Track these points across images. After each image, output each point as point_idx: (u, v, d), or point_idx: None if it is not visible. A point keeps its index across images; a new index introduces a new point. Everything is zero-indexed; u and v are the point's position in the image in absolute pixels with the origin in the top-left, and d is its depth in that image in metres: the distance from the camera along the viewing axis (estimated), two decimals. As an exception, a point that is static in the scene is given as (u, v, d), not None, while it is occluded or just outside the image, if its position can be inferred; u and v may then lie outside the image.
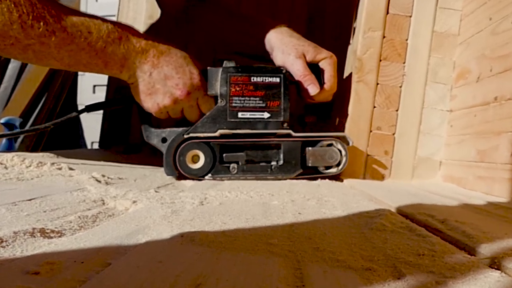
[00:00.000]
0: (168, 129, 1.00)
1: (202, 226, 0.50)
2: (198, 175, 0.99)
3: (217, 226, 0.51)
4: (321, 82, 1.04)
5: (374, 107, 1.07)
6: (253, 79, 0.99)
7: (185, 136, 0.99)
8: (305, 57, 1.05)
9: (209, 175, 0.99)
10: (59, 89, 3.09)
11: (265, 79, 1.00)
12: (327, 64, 1.06)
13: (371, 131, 1.08)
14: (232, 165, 1.00)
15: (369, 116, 1.07)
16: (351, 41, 1.22)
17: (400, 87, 1.08)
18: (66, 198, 0.65)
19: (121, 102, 1.14)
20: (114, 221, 0.52)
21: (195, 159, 1.00)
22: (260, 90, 0.99)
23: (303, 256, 0.41)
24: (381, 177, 1.07)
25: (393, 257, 0.42)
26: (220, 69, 0.99)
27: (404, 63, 1.08)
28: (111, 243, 0.42)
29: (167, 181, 0.95)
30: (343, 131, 1.08)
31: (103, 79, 2.34)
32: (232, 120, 0.99)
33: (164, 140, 0.99)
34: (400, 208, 0.67)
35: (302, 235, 0.49)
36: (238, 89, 0.99)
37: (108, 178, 0.89)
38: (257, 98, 0.99)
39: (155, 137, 1.00)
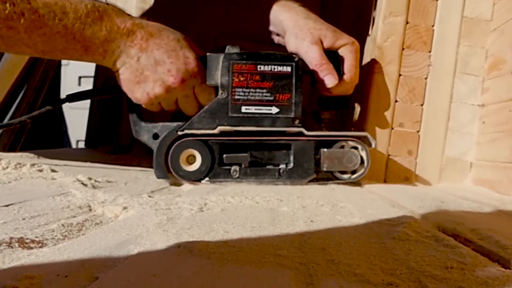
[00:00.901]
0: (161, 123, 0.98)
1: (201, 235, 0.50)
2: (194, 179, 0.97)
3: (218, 235, 0.51)
4: (340, 72, 1.01)
5: (396, 101, 1.07)
6: (260, 67, 0.97)
7: (179, 133, 0.96)
8: (322, 43, 1.02)
9: (206, 178, 0.97)
10: (40, 80, 3.10)
11: (274, 68, 0.97)
12: (348, 51, 1.02)
13: (392, 129, 1.07)
14: (233, 167, 0.98)
15: (391, 112, 1.07)
16: (370, 31, 1.21)
17: (426, 78, 1.07)
18: (48, 203, 0.65)
19: (109, 91, 1.10)
20: (102, 230, 0.52)
21: (191, 159, 0.98)
22: (268, 81, 0.97)
23: (316, 269, 0.41)
24: (404, 180, 1.07)
25: (417, 270, 0.42)
26: (222, 56, 0.97)
27: (430, 52, 1.08)
28: (99, 255, 0.42)
29: (161, 184, 0.95)
30: (362, 129, 1.08)
31: (90, 69, 2.35)
32: (234, 115, 0.97)
33: (155, 136, 0.97)
34: (425, 215, 0.67)
35: (315, 246, 0.48)
36: (242, 79, 0.96)
37: (95, 181, 0.90)
38: (264, 90, 0.97)
39: (145, 132, 0.98)
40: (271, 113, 0.98)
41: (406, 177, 1.07)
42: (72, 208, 0.63)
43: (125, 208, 0.64)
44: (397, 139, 1.07)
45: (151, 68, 0.91)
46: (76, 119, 3.08)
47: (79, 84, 3.26)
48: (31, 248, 0.44)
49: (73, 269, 0.38)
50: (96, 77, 1.74)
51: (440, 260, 0.45)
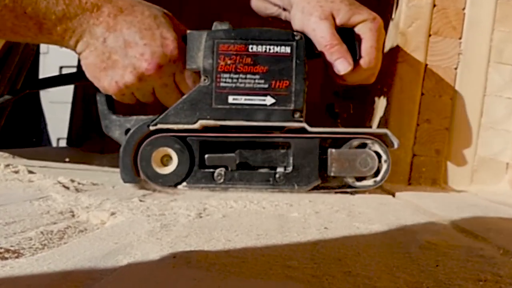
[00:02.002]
0: (135, 117, 0.93)
1: (200, 244, 0.50)
2: (168, 184, 0.92)
3: (219, 244, 0.51)
4: (356, 55, 0.96)
5: (422, 94, 1.07)
6: (252, 48, 0.90)
7: (151, 128, 0.91)
8: (334, 19, 0.95)
9: (184, 184, 0.92)
10: (15, 72, 3.10)
11: (270, 49, 0.90)
12: (367, 29, 0.96)
13: (418, 125, 1.07)
14: (217, 170, 0.92)
15: (416, 106, 1.07)
16: (392, 15, 1.21)
17: (455, 69, 1.07)
18: (24, 209, 0.65)
19: (76, 78, 1.07)
20: (86, 238, 0.52)
21: (165, 160, 0.93)
22: (261, 64, 0.90)
23: (331, 282, 0.41)
24: (431, 184, 1.07)
25: (446, 283, 0.42)
26: (205, 34, 0.91)
27: (460, 38, 1.07)
28: (83, 266, 0.42)
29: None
30: (384, 126, 1.07)
31: (73, 58, 2.35)
32: (220, 106, 0.90)
33: (128, 132, 0.93)
34: (455, 222, 0.67)
35: (330, 256, 0.48)
36: (229, 62, 0.90)
37: (79, 183, 0.90)
38: (257, 76, 0.90)
39: (116, 127, 0.94)
40: (265, 105, 0.91)
41: (434, 179, 1.07)
42: (52, 213, 0.63)
43: (112, 213, 0.64)
44: (423, 137, 1.07)
45: (120, 51, 0.87)
46: (57, 114, 3.07)
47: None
48: (6, 258, 0.44)
49: (54, 282, 0.38)
50: (80, 67, 1.74)
51: (472, 272, 0.45)
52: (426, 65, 1.07)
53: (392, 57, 1.09)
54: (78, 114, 1.79)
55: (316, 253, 0.49)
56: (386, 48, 1.17)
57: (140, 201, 0.75)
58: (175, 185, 0.92)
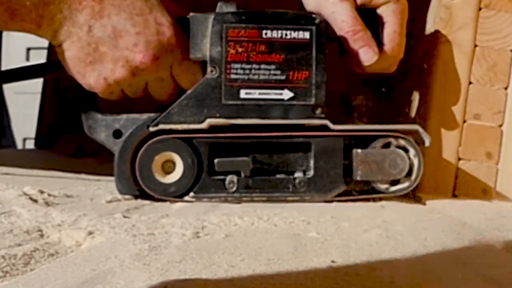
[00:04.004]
0: (125, 115, 0.94)
1: (197, 271, 0.51)
2: (173, 194, 0.94)
3: (221, 270, 0.51)
4: (379, 40, 0.96)
5: (470, 83, 1.07)
6: (266, 33, 0.92)
7: (151, 129, 0.92)
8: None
9: (191, 194, 0.94)
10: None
11: (287, 34, 0.92)
12: (390, 11, 0.97)
13: (464, 122, 1.07)
14: (229, 177, 0.94)
15: (462, 98, 1.06)
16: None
17: (512, 51, 1.07)
18: (-18, 227, 0.65)
19: (49, 70, 1.08)
20: (58, 264, 0.52)
21: (168, 167, 0.94)
22: (277, 53, 0.92)
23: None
24: (481, 194, 1.07)
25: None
26: (211, 17, 0.92)
27: (518, 12, 1.07)
28: (54, 298, 0.42)
29: (141, 200, 0.95)
30: (422, 122, 1.07)
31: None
32: (230, 102, 0.92)
33: (117, 134, 0.93)
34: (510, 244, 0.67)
35: (355, 287, 0.48)
36: (240, 50, 0.92)
37: (49, 195, 0.90)
38: (273, 66, 0.92)
39: (103, 128, 0.94)
40: (282, 99, 0.93)
41: (484, 189, 1.07)
42: (16, 233, 0.63)
43: (90, 233, 0.64)
44: (471, 136, 1.07)
45: (109, 42, 0.88)
46: (23, 109, 3.09)
47: (27, 58, 3.27)
48: (-41, 289, 0.44)
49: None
50: (50, 49, 1.74)
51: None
52: (476, 46, 1.07)
53: (434, 36, 1.09)
54: (49, 109, 1.79)
55: (339, 281, 0.49)
56: (428, 26, 1.17)
57: (124, 217, 0.75)
58: (180, 196, 0.93)
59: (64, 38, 0.88)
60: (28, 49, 3.29)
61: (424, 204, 1.01)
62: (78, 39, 0.87)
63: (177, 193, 0.93)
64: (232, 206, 0.91)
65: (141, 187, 0.93)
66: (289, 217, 0.80)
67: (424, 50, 1.12)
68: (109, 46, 0.88)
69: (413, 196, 1.04)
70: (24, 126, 3.13)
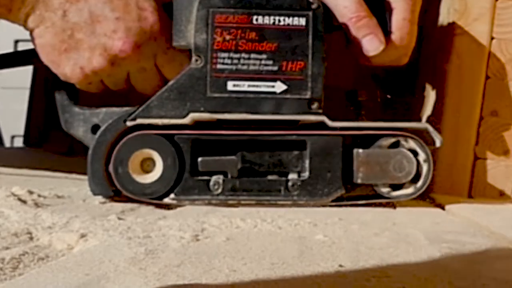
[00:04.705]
0: (105, 109, 0.92)
1: (196, 276, 0.50)
2: (152, 196, 0.91)
3: (222, 275, 0.51)
4: (386, 29, 0.93)
5: (488, 77, 1.07)
6: (257, 19, 0.89)
7: (128, 124, 0.90)
8: None
9: (171, 195, 0.91)
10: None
11: (280, 20, 0.89)
12: None
13: (481, 118, 1.07)
14: (214, 178, 0.91)
15: (479, 93, 1.06)
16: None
17: (532, 43, 1.07)
18: (-32, 229, 0.65)
19: (23, 59, 1.07)
20: (48, 268, 0.52)
21: (147, 165, 0.92)
22: (269, 41, 0.89)
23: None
24: (499, 196, 1.06)
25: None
26: (196, 1, 0.89)
27: (538, 2, 1.07)
28: (44, 305, 0.42)
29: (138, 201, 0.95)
30: (436, 119, 1.07)
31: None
32: (216, 95, 0.89)
33: (96, 129, 0.91)
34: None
35: (366, 292, 0.48)
36: (228, 37, 0.89)
37: (39, 196, 0.90)
38: (264, 56, 0.89)
39: (80, 123, 0.92)
40: (274, 92, 0.90)
41: (502, 190, 1.07)
42: (4, 236, 0.63)
43: (83, 236, 0.64)
44: (488, 134, 1.07)
45: (86, 28, 0.87)
46: (11, 105, 3.08)
47: (15, 49, 3.28)
48: None
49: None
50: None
51: None
52: (493, 38, 1.07)
53: (448, 29, 1.09)
54: (39, 105, 1.79)
55: (348, 287, 0.50)
56: (442, 18, 1.17)
57: (119, 219, 0.75)
58: (159, 198, 0.91)
59: (37, 24, 0.87)
60: (16, 41, 3.29)
61: (438, 205, 1.01)
62: (51, 24, 0.86)
63: (155, 194, 0.91)
64: (234, 209, 0.90)
65: (116, 188, 0.90)
66: (295, 219, 0.80)
67: (437, 43, 1.12)
68: (85, 33, 0.87)
69: (426, 197, 1.04)
70: (12, 122, 3.13)
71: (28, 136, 1.79)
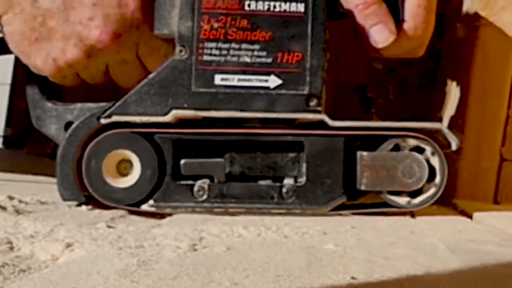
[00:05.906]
0: (80, 104, 0.91)
1: (194, 290, 0.50)
2: (128, 202, 0.90)
3: (222, 289, 0.51)
4: (398, 17, 0.91)
5: (515, 72, 1.07)
6: (249, 5, 0.87)
7: (103, 121, 0.89)
8: None
9: (150, 202, 0.90)
10: None
11: (275, 7, 0.87)
12: None
13: (508, 117, 1.07)
14: (199, 183, 0.90)
15: (505, 89, 1.07)
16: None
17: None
18: None
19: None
20: (31, 281, 0.52)
21: (123, 168, 0.91)
22: (263, 30, 0.88)
23: None
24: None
25: None
26: None
27: None
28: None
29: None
30: (459, 118, 1.07)
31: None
32: (202, 90, 0.88)
33: (69, 126, 0.90)
34: None
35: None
36: (216, 25, 0.87)
37: (21, 202, 0.90)
38: (257, 46, 0.88)
39: (52, 120, 0.92)
40: (267, 87, 0.88)
41: (530, 195, 1.07)
42: (-18, 245, 0.63)
43: (68, 245, 0.64)
44: (517, 134, 1.07)
45: (59, 15, 0.86)
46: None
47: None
48: None
49: None
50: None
51: None
52: (521, 29, 1.07)
53: (472, 19, 1.09)
54: (20, 102, 1.79)
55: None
56: (464, 7, 1.17)
57: (109, 227, 0.75)
58: (136, 205, 0.90)
59: (5, 9, 0.86)
60: None
61: (461, 212, 1.01)
62: (21, 11, 0.86)
63: (132, 200, 0.90)
64: (235, 216, 0.90)
65: (89, 193, 0.90)
66: (302, 227, 0.80)
67: (457, 36, 1.12)
68: (58, 20, 0.86)
69: (447, 203, 1.04)
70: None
71: (8, 136, 1.79)
